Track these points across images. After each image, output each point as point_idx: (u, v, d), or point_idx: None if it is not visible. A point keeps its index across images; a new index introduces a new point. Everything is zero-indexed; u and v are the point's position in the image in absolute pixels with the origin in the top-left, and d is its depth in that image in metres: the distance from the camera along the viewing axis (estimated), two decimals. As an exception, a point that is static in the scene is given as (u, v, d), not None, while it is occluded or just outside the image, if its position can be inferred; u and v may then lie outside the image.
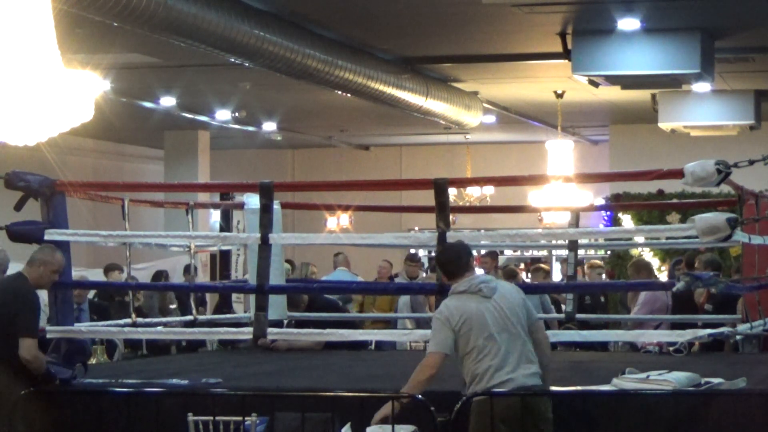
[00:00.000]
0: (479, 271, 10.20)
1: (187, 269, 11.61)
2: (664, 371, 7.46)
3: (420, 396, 6.89)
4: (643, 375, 7.32)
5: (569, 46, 13.03)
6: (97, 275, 14.90)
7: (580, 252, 14.17)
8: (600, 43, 12.82)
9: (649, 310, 11.59)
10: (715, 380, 7.48)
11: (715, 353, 10.70)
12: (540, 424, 6.76)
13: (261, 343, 10.02)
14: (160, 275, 15.80)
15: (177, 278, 16.53)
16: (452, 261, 7.07)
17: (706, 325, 9.62)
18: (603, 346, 11.99)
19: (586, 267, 14.95)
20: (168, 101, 17.39)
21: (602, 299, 13.97)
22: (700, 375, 7.53)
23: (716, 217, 7.77)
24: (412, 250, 17.28)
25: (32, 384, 7.65)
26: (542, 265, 15.42)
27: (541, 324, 7.19)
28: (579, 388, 7.58)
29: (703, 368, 8.29)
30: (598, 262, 15.24)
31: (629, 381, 7.29)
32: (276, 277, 9.79)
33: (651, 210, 18.52)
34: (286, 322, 10.81)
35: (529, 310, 7.00)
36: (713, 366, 8.96)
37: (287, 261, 14.64)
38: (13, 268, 11.69)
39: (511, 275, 14.04)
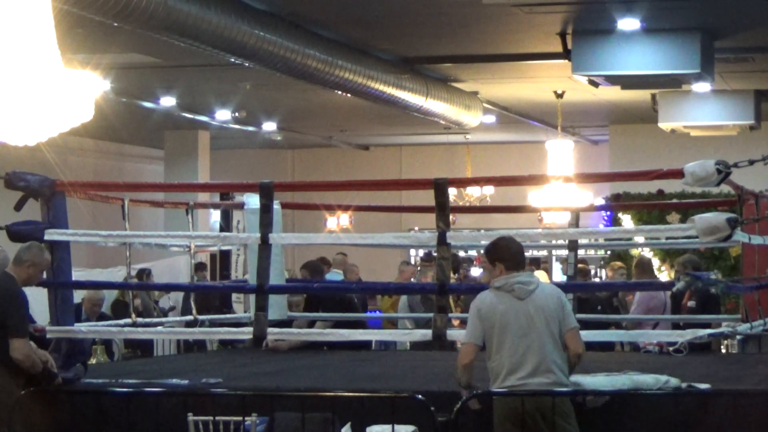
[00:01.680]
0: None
1: (198, 267, 11.59)
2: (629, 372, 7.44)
3: (420, 396, 6.89)
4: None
5: (569, 46, 13.03)
6: (106, 276, 14.94)
7: (580, 252, 14.15)
8: (600, 43, 12.82)
9: (645, 308, 11.61)
10: (702, 386, 7.37)
11: (710, 353, 10.76)
12: (550, 426, 6.68)
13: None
14: (142, 273, 15.76)
15: (177, 278, 16.54)
16: (515, 253, 7.00)
17: (689, 325, 9.70)
18: (610, 346, 11.96)
19: (608, 269, 14.65)
20: (168, 101, 17.39)
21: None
22: (693, 377, 7.47)
23: (716, 217, 7.77)
24: (413, 251, 17.27)
25: (33, 383, 7.64)
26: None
27: (572, 334, 6.92)
28: (580, 383, 7.52)
29: (702, 368, 8.30)
30: (619, 263, 14.97)
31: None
32: (276, 277, 9.80)
33: (651, 210, 18.52)
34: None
35: (564, 318, 6.85)
36: (713, 366, 8.97)
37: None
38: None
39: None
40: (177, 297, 16.32)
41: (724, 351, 11.98)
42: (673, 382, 7.21)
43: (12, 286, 7.78)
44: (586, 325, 10.98)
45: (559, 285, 13.44)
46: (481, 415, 6.99)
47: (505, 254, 7.02)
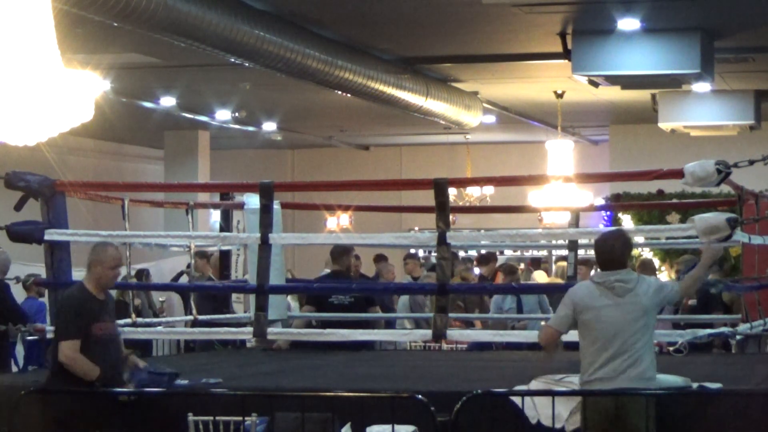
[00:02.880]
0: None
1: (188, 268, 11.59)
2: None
3: (420, 396, 6.89)
4: (557, 377, 7.31)
5: (569, 46, 13.04)
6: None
7: (580, 252, 14.14)
8: (600, 43, 12.82)
9: None
10: (713, 385, 7.37)
11: (711, 353, 10.74)
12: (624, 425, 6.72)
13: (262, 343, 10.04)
14: (141, 274, 15.72)
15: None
16: (603, 253, 7.02)
17: (689, 325, 9.71)
18: None
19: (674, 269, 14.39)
20: (168, 101, 17.39)
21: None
22: (692, 377, 7.47)
23: (716, 217, 7.77)
24: (412, 250, 17.26)
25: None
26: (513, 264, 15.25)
27: (682, 284, 7.28)
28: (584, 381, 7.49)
29: (702, 368, 8.29)
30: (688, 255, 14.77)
31: (542, 382, 7.30)
32: (276, 277, 9.79)
33: (651, 210, 18.51)
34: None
35: (666, 294, 6.97)
36: (713, 366, 8.96)
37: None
38: (14, 268, 11.73)
39: (510, 272, 14.06)
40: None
41: (724, 351, 11.96)
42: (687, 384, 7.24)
43: (70, 293, 7.61)
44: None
45: (558, 285, 13.44)
46: (481, 415, 7.00)
47: (596, 254, 7.15)
